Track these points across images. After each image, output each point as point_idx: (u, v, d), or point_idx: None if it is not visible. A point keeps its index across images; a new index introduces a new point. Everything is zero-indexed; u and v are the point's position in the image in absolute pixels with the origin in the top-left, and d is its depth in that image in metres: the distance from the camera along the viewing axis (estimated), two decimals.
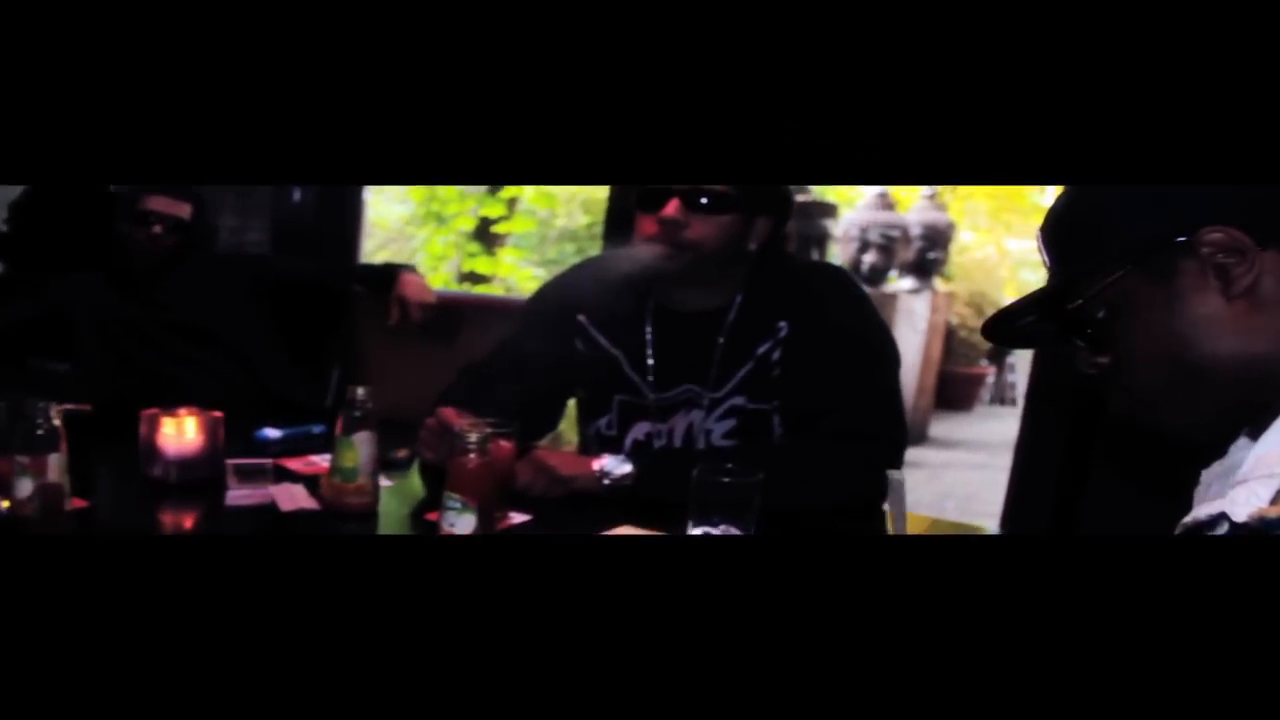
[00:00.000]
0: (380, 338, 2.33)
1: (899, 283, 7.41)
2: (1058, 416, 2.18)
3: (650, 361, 1.59)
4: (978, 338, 7.91)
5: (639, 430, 1.61)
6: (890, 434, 1.47)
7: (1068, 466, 2.16)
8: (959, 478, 5.75)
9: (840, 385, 1.47)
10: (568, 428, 1.93)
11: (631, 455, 1.46)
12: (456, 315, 2.36)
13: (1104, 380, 0.89)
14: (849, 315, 1.53)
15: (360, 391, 1.31)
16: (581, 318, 1.63)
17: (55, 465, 1.17)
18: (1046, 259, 0.92)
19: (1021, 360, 8.65)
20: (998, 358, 8.26)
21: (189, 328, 2.23)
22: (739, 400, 1.54)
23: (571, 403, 1.76)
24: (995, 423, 7.67)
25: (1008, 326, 0.95)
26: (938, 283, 7.61)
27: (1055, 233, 0.90)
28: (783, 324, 1.53)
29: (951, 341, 7.67)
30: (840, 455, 1.43)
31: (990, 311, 1.04)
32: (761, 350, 1.53)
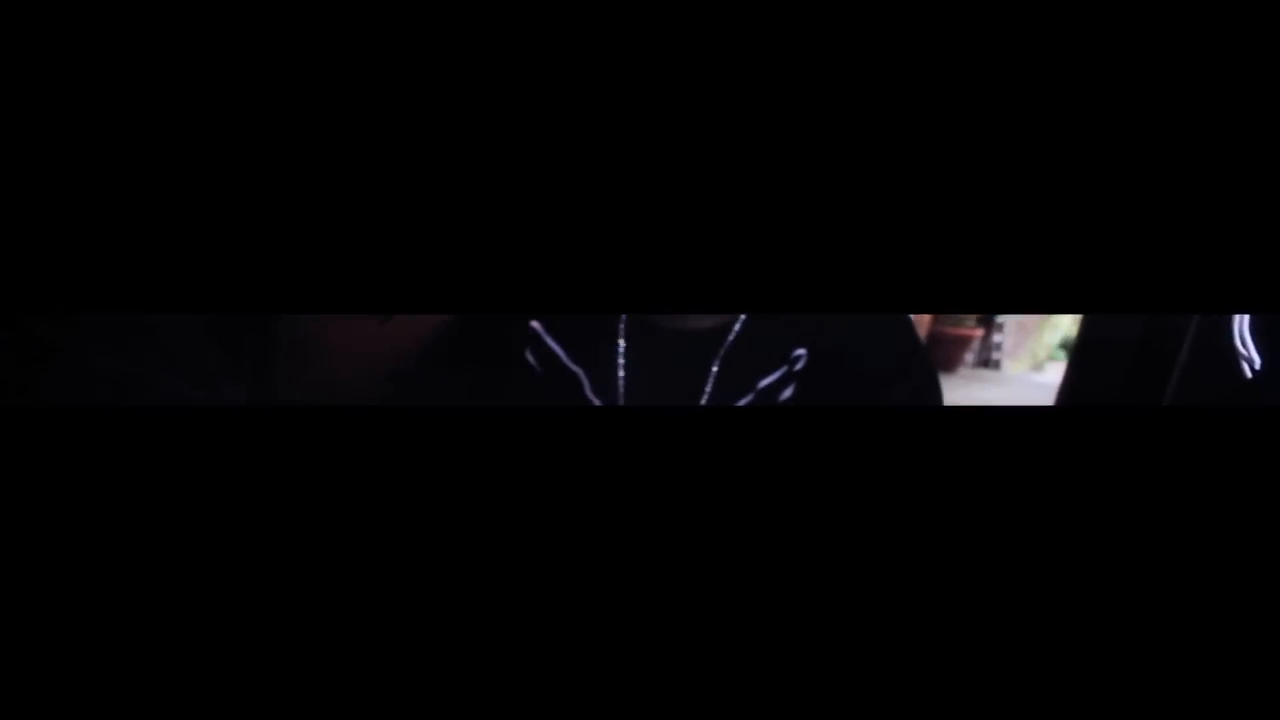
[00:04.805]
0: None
1: None
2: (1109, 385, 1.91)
3: (621, 385, 1.27)
4: None
5: None
6: None
7: None
8: None
9: None
10: None
11: None
12: None
13: None
14: (876, 344, 1.24)
15: None
16: (536, 324, 1.30)
17: None
18: (1253, 356, 0.61)
19: (1010, 321, 8.42)
20: (987, 319, 8.03)
21: None
22: None
23: None
24: (976, 387, 7.46)
25: None
26: None
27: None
28: (800, 351, 1.23)
29: None
30: None
31: None
32: (766, 384, 1.23)
